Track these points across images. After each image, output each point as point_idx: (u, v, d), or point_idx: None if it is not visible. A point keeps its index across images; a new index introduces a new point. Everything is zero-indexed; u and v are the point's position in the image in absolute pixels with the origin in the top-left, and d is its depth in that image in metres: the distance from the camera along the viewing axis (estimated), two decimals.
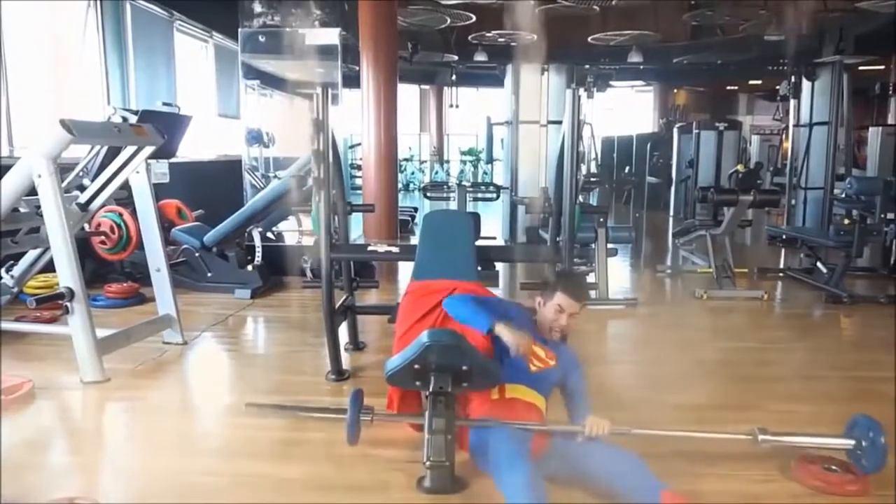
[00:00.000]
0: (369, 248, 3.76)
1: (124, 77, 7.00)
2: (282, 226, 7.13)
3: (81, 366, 3.36)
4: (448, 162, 20.45)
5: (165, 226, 5.05)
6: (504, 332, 2.41)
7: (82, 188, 4.21)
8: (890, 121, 12.58)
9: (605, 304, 5.18)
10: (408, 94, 18.22)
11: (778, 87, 11.13)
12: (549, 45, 8.18)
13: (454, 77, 14.16)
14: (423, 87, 19.30)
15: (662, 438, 2.69)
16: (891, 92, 13.12)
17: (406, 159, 18.67)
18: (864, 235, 5.43)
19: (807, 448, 2.51)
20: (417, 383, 2.34)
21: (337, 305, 3.51)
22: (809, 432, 2.52)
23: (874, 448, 2.32)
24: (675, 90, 18.64)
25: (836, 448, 2.45)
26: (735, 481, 2.39)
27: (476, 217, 3.49)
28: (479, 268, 3.13)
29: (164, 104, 6.59)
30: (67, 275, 3.35)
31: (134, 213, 4.07)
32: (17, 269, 4.39)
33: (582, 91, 3.80)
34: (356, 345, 4.01)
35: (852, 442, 2.40)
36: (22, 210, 3.93)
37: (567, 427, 2.42)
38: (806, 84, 8.51)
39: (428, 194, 10.61)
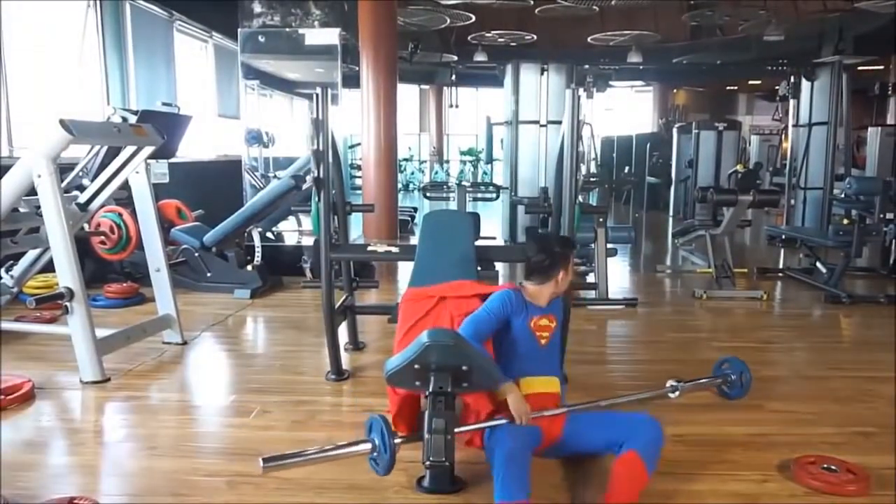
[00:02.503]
0: (369, 248, 3.75)
1: (124, 77, 7.00)
2: (282, 226, 7.13)
3: (81, 366, 3.36)
4: (448, 162, 20.46)
5: (165, 226, 5.05)
6: (510, 398, 2.36)
7: (82, 188, 4.21)
8: (889, 121, 12.61)
9: (605, 304, 5.18)
10: (408, 94, 18.23)
11: (777, 87, 11.14)
12: (549, 46, 8.18)
13: (454, 77, 14.17)
14: (423, 87, 19.32)
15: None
16: (890, 92, 13.15)
17: (406, 159, 18.68)
18: (864, 235, 5.43)
19: (804, 445, 2.55)
20: (417, 383, 2.34)
21: (337, 305, 3.51)
22: (706, 376, 3.19)
23: (742, 378, 3.10)
24: (675, 90, 18.68)
25: (717, 383, 3.15)
26: (735, 481, 2.40)
27: (476, 217, 3.49)
28: (479, 268, 3.13)
29: (164, 104, 6.59)
30: (67, 275, 3.35)
31: (134, 213, 4.07)
32: (17, 269, 4.39)
33: (582, 91, 3.80)
34: (356, 345, 4.01)
35: (731, 375, 3.12)
36: (22, 210, 3.93)
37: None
38: (805, 84, 8.52)
39: (428, 194, 10.63)
